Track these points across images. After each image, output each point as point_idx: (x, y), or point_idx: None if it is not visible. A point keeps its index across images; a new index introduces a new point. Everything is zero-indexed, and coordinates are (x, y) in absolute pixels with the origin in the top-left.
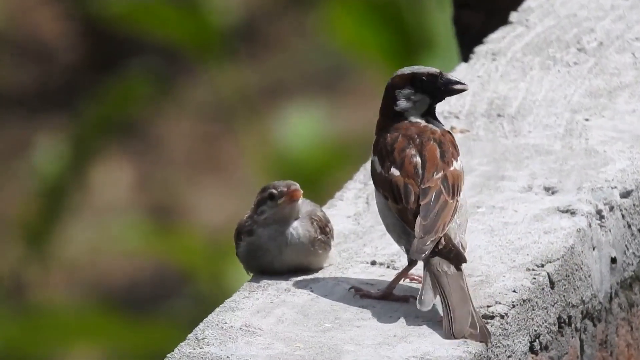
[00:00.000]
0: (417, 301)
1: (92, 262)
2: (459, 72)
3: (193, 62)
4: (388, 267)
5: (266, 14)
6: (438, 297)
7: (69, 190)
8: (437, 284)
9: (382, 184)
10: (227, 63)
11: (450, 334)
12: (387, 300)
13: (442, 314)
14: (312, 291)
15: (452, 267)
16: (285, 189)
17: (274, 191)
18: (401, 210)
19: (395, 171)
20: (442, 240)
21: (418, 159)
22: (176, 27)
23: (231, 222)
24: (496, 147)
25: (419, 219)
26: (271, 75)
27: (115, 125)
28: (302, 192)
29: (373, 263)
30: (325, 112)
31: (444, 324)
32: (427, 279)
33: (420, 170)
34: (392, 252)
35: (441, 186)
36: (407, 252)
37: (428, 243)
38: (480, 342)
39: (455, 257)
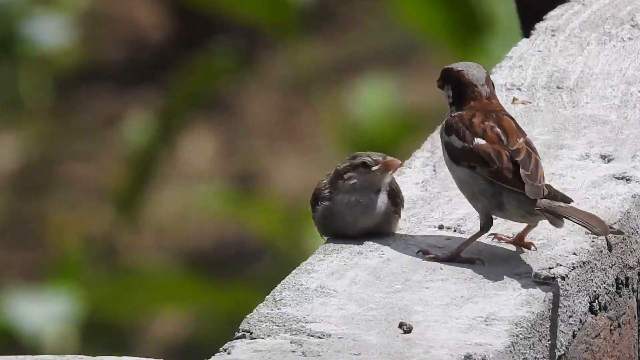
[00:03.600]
0: (553, 225)
1: (179, 227)
2: (521, 47)
3: (273, 39)
4: (455, 230)
5: None
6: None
7: (158, 159)
8: (557, 215)
9: (467, 155)
10: (304, 40)
11: (600, 233)
12: (454, 262)
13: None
14: (383, 254)
15: (562, 204)
16: (381, 158)
17: (368, 159)
18: (496, 171)
19: (479, 140)
20: (544, 188)
21: (498, 129)
22: (257, 7)
23: (308, 189)
24: (556, 118)
25: (522, 171)
26: (345, 51)
27: (201, 99)
28: (399, 162)
29: (440, 227)
30: (395, 86)
31: (590, 230)
32: (544, 216)
33: (503, 138)
34: (458, 216)
35: (527, 148)
36: (486, 218)
37: (539, 185)
38: (620, 234)
39: (562, 199)
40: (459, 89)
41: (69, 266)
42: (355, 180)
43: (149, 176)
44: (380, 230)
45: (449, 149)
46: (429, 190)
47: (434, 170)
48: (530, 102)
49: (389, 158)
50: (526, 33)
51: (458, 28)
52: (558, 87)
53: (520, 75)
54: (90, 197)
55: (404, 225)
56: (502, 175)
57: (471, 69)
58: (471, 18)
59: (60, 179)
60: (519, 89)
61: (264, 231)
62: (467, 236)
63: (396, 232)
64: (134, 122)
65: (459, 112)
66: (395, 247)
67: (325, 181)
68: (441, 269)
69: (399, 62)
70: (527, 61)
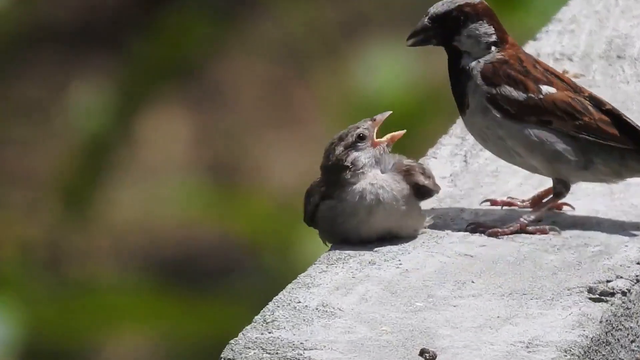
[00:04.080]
0: None
1: (143, 229)
2: (573, 7)
3: None
4: (490, 235)
5: None
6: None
7: (115, 145)
8: None
9: (537, 109)
10: None
11: None
12: (521, 233)
13: None
14: (400, 264)
15: None
16: (371, 122)
17: (362, 130)
18: (587, 123)
19: (549, 89)
20: None
21: (554, 74)
22: None
23: (304, 183)
24: (616, 94)
25: (627, 119)
26: (351, 8)
27: (170, 69)
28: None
29: (473, 231)
30: (414, 53)
31: None
32: None
33: (567, 83)
34: (495, 218)
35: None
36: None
37: None
38: None
39: None
40: (498, 26)
41: (5, 278)
42: (364, 160)
43: (105, 166)
44: (400, 230)
45: (501, 103)
46: (459, 186)
47: (465, 162)
48: (584, 75)
49: (377, 116)
50: None
51: None
52: (619, 57)
53: (572, 42)
54: (30, 191)
55: (427, 228)
56: (594, 128)
57: None
58: None
59: None
60: (570, 59)
61: (249, 235)
62: (506, 241)
63: (417, 235)
64: (86, 97)
65: (500, 56)
66: (416, 255)
67: (319, 180)
68: (472, 282)
69: (418, 22)
70: (580, 24)
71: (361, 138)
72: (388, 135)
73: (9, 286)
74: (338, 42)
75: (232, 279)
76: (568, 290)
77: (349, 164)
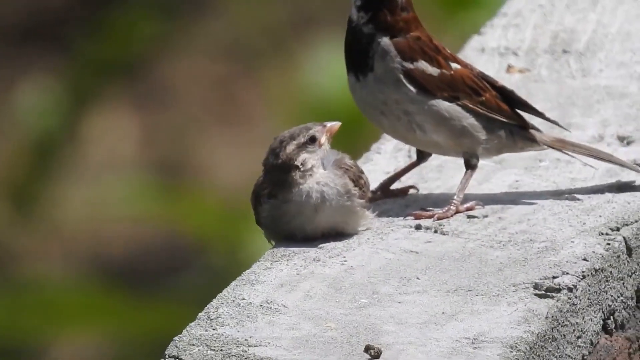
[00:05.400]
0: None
1: (90, 228)
2: (518, 1)
3: None
4: (436, 231)
5: None
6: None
7: (62, 143)
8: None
9: (448, 84)
10: None
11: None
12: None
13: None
14: (345, 260)
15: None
16: (322, 127)
17: (314, 132)
18: (487, 99)
19: (456, 65)
20: None
21: (449, 51)
22: None
23: (250, 181)
24: (562, 90)
25: (518, 95)
26: (300, 7)
27: (117, 67)
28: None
29: (418, 227)
30: None
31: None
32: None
33: (463, 60)
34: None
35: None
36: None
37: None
38: None
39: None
40: None
41: None
42: (314, 162)
43: (52, 165)
44: (345, 227)
45: (417, 78)
46: (403, 182)
47: (409, 157)
48: (529, 70)
49: (328, 123)
50: None
51: None
52: (564, 51)
53: (517, 36)
54: None
55: (371, 224)
56: (493, 104)
57: None
58: None
59: None
60: (515, 54)
61: (196, 233)
62: (451, 237)
63: (361, 232)
64: (31, 95)
65: (413, 33)
66: (361, 252)
67: (262, 179)
68: (417, 278)
69: None
70: (525, 19)
71: (312, 140)
72: (326, 130)
73: None
74: (286, 41)
75: (179, 277)
76: (514, 286)
77: (299, 164)
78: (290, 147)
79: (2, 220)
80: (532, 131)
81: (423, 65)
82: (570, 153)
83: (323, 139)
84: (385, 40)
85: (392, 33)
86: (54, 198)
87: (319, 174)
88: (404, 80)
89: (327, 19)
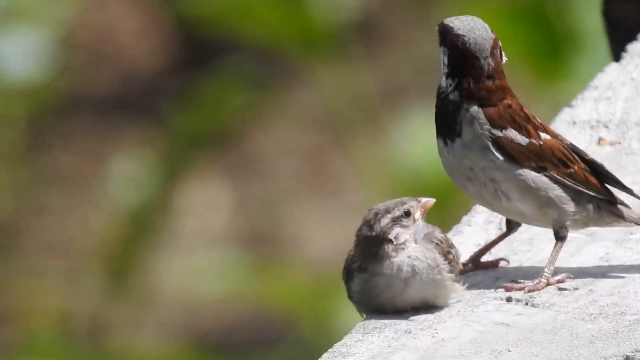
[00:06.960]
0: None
1: (182, 300)
2: (609, 73)
3: (297, 63)
4: (526, 304)
5: (385, 6)
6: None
7: (155, 214)
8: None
9: (536, 154)
10: (337, 63)
11: None
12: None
13: None
14: (436, 333)
15: None
16: (416, 202)
17: (409, 207)
18: (576, 172)
19: (545, 135)
20: None
21: (540, 120)
22: (276, 23)
23: (342, 254)
24: None
25: (607, 169)
26: (391, 76)
27: (208, 138)
28: (434, 200)
29: (509, 300)
30: None
31: None
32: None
33: (553, 131)
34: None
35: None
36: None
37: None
38: None
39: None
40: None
41: (43, 349)
42: (408, 237)
43: (144, 235)
44: (435, 299)
45: (505, 146)
46: (494, 254)
47: (500, 229)
48: (619, 143)
49: (422, 199)
50: (616, 56)
51: (534, 48)
52: None
53: (608, 109)
54: (69, 262)
55: (462, 296)
56: (581, 177)
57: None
58: (550, 36)
59: (30, 238)
60: (606, 127)
61: (287, 306)
62: (542, 310)
63: (452, 304)
64: (124, 167)
65: (505, 101)
66: (452, 324)
67: (353, 252)
68: (509, 351)
69: None
70: (616, 91)
71: (406, 215)
72: (420, 205)
73: (48, 357)
74: (377, 111)
75: (271, 350)
76: (605, 359)
77: (392, 238)
78: (385, 220)
79: (96, 291)
80: (620, 206)
81: (512, 133)
82: None
83: (417, 215)
84: (474, 107)
85: (479, 100)
86: (147, 269)
87: (411, 247)
88: (492, 148)
89: (418, 88)
